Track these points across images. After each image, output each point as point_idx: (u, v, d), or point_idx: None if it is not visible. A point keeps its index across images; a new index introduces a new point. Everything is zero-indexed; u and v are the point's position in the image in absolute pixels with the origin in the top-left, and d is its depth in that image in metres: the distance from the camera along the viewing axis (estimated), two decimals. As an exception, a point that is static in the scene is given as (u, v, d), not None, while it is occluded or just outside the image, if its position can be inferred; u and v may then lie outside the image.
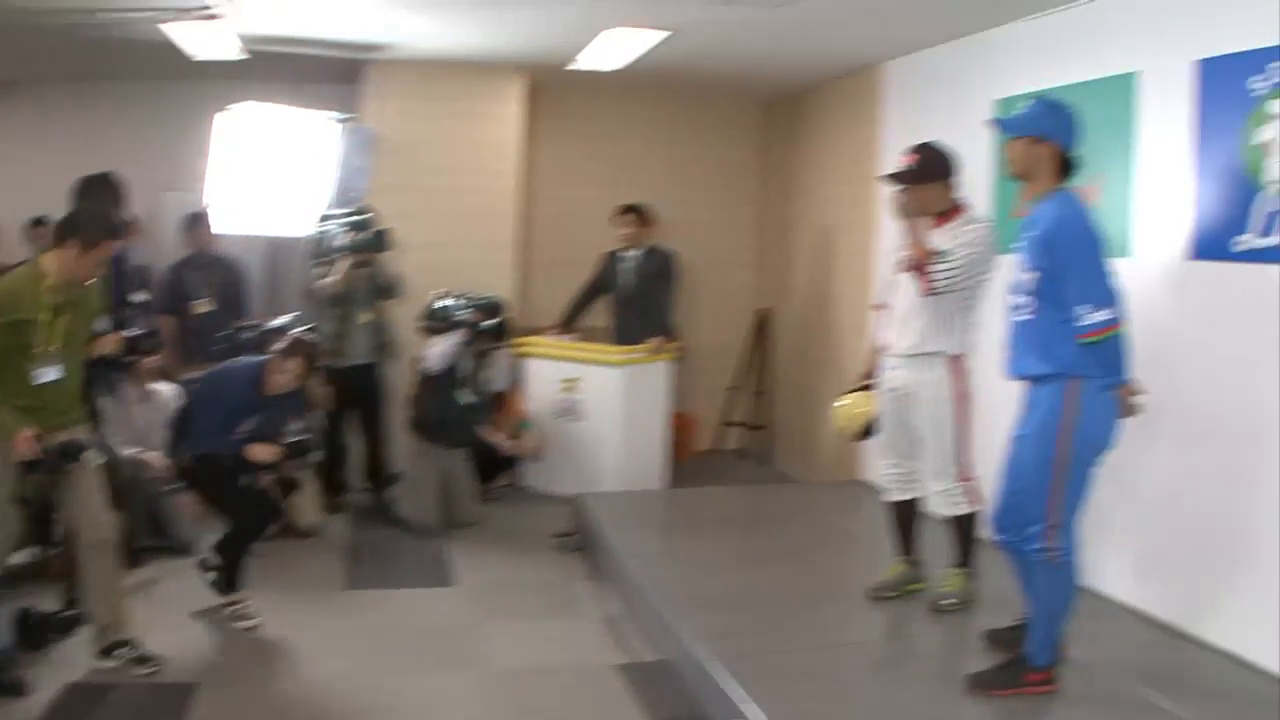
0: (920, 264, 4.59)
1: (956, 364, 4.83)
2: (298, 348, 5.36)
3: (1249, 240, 4.60)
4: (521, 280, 8.58)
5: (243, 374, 5.30)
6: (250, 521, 5.28)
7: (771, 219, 9.67)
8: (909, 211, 4.71)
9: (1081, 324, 3.84)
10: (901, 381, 4.92)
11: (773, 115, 9.69)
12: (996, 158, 5.91)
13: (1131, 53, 5.29)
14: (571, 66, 7.87)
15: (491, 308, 7.13)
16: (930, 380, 4.83)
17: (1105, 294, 3.85)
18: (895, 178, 4.76)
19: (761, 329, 9.55)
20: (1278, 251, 4.49)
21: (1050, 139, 4.04)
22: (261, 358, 5.44)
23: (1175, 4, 5.05)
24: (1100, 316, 3.81)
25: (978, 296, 4.78)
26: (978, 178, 6.14)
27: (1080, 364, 3.89)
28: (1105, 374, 3.91)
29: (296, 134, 7.40)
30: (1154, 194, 5.18)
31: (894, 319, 4.92)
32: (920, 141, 4.93)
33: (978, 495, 4.90)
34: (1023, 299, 4.07)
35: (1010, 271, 4.18)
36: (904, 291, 4.86)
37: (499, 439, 7.36)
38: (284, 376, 5.30)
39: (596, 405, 7.70)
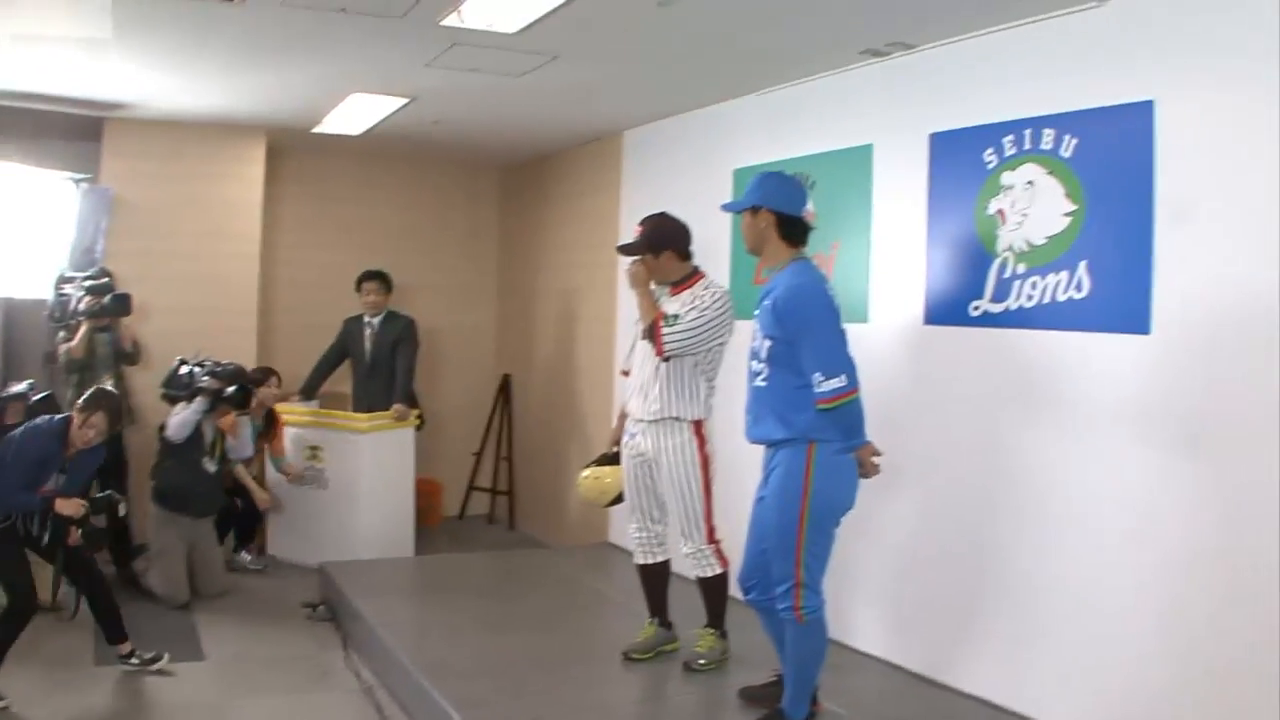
0: (654, 329, 4.58)
1: (698, 429, 4.80)
2: (100, 402, 5.13)
3: (983, 305, 4.68)
4: (263, 345, 8.29)
5: (47, 431, 5.07)
6: (84, 582, 5.21)
7: (513, 284, 9.62)
8: (638, 281, 4.73)
9: (817, 391, 3.84)
10: (645, 447, 4.87)
11: (514, 181, 9.66)
12: (735, 227, 5.88)
13: (868, 125, 5.38)
14: (317, 129, 7.74)
15: (233, 374, 6.85)
16: (673, 445, 4.79)
17: (839, 361, 3.86)
18: (626, 249, 4.80)
19: (504, 393, 9.48)
20: (1011, 316, 4.57)
21: (767, 206, 4.09)
22: (64, 415, 5.23)
23: (910, 79, 5.14)
24: (835, 384, 3.82)
25: (715, 361, 4.77)
26: (719, 245, 6.24)
27: (817, 429, 3.90)
28: (843, 437, 3.92)
29: (31, 193, 7.15)
30: (891, 261, 5.24)
31: (636, 385, 4.88)
32: (656, 211, 4.96)
33: (725, 556, 4.87)
34: (760, 365, 4.07)
35: (751, 338, 4.19)
36: (644, 357, 4.83)
37: (254, 489, 7.24)
38: (89, 432, 5.09)
39: (341, 473, 7.54)
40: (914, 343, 5.05)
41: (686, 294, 4.74)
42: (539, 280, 9.13)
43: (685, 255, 4.82)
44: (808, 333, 3.87)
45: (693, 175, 6.73)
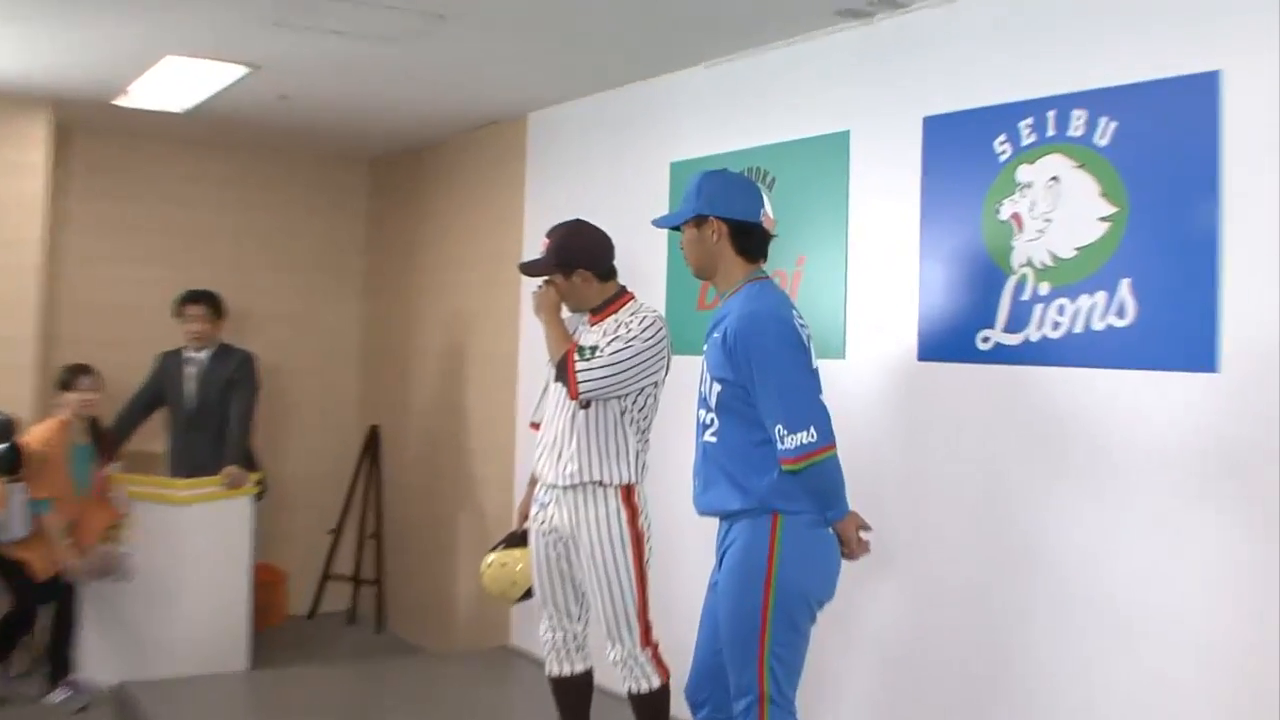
0: (566, 365, 4.65)
1: (627, 496, 4.82)
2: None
3: (995, 336, 4.73)
4: (44, 390, 8.00)
5: None
6: None
7: (386, 309, 9.69)
8: (545, 308, 4.86)
9: (781, 448, 3.90)
10: (558, 521, 4.89)
11: (388, 177, 9.76)
12: (674, 239, 5.93)
13: (844, 107, 5.46)
14: (121, 102, 7.67)
15: (2, 427, 6.81)
16: (595, 518, 4.81)
17: (807, 409, 3.93)
18: (529, 268, 4.92)
19: (372, 453, 9.48)
20: (1031, 350, 4.61)
21: (716, 214, 4.17)
22: None
23: (899, 48, 5.23)
24: (801, 439, 3.88)
25: (648, 408, 4.83)
26: (652, 262, 6.35)
27: (782, 496, 3.97)
28: (816, 507, 3.98)
29: None
30: (874, 280, 5.32)
31: (548, 440, 4.93)
32: (569, 219, 5.02)
33: (666, 664, 4.89)
34: (708, 415, 4.14)
35: (699, 379, 4.24)
36: (557, 405, 4.89)
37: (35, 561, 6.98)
38: None
39: (152, 559, 7.36)
40: (904, 385, 5.11)
41: (609, 321, 4.84)
42: (420, 305, 9.16)
43: (606, 275, 4.91)
44: (766, 372, 3.94)
45: (618, 171, 6.82)
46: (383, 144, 9.22)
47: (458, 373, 8.63)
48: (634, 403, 4.78)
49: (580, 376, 4.61)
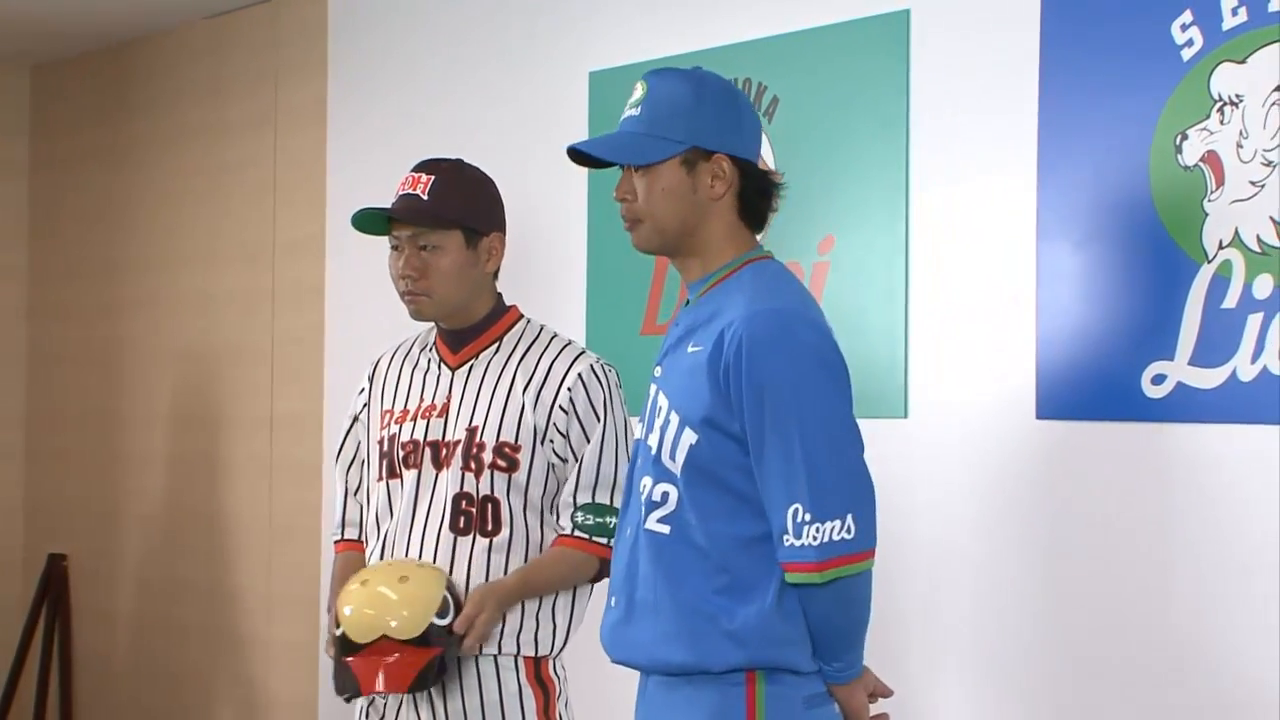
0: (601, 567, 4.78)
1: (540, 671, 4.86)
2: None
3: (1177, 373, 4.68)
4: None
5: None
6: None
7: (67, 329, 9.56)
8: (433, 311, 4.86)
9: (791, 543, 3.77)
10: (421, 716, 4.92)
11: (68, 93, 9.73)
12: (595, 209, 6.19)
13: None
14: None
15: None
16: (485, 707, 4.84)
17: (852, 486, 3.83)
18: (413, 214, 4.82)
19: (53, 602, 9.37)
20: (1243, 395, 4.55)
21: (721, 150, 4.06)
22: None
23: None
24: (835, 531, 3.75)
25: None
26: (564, 240, 6.43)
27: (775, 641, 3.85)
28: (829, 656, 3.88)
29: None
30: (954, 278, 5.33)
31: (388, 547, 4.94)
32: (445, 158, 5.02)
33: None
34: (659, 488, 4.02)
35: (632, 435, 4.34)
36: (413, 503, 4.90)
37: None
38: None
39: None
40: (1013, 460, 5.14)
41: (495, 354, 4.94)
42: (135, 319, 9.09)
43: (494, 255, 4.95)
44: (788, 417, 3.82)
45: (497, 85, 6.86)
46: (58, 37, 9.25)
47: (209, 441, 8.56)
48: (559, 484, 4.87)
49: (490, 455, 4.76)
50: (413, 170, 4.92)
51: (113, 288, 9.24)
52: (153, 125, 9.05)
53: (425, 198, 4.83)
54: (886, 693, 4.07)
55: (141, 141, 9.10)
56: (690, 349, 3.97)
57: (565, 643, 4.88)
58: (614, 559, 4.17)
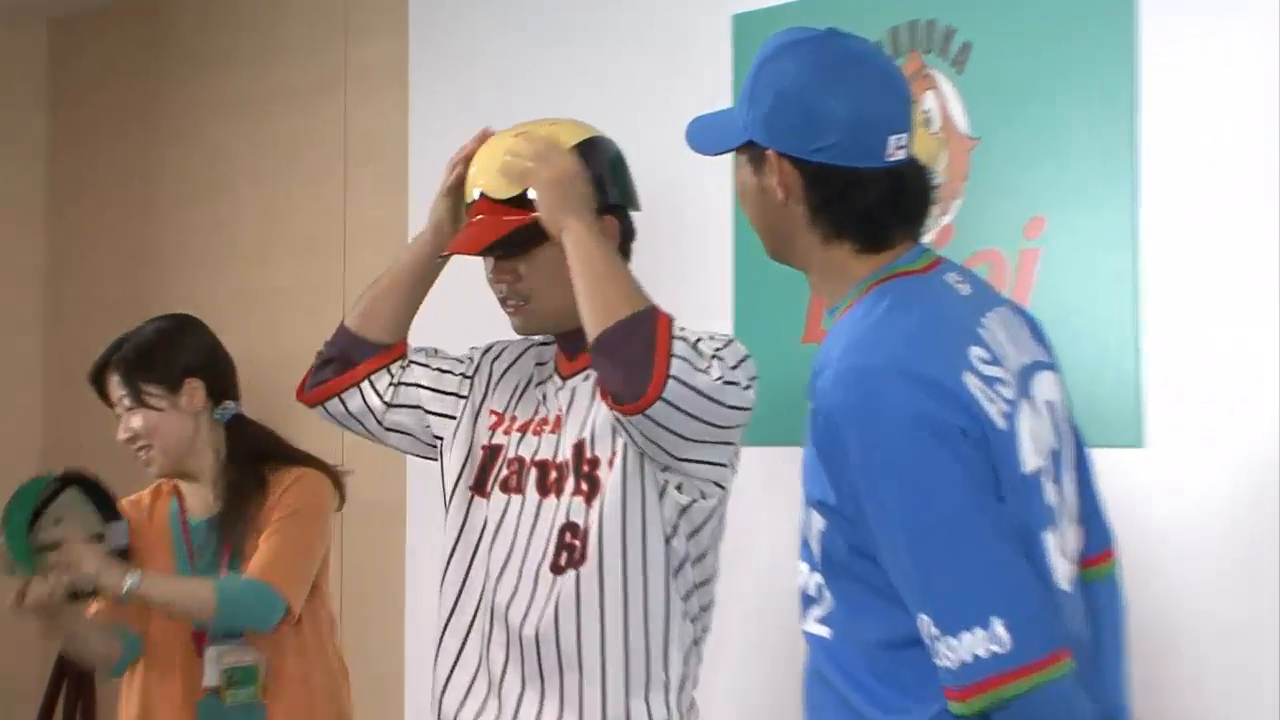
0: (656, 334, 4.22)
1: None
2: None
3: None
4: None
5: None
6: None
7: (82, 320, 8.85)
8: (534, 323, 4.53)
9: (940, 664, 3.39)
10: None
11: (88, 54, 9.16)
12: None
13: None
14: None
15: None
16: None
17: (981, 581, 3.42)
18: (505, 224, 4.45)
19: (76, 683, 8.68)
20: None
21: (773, 146, 3.65)
22: None
23: None
24: (971, 645, 3.33)
25: (709, 549, 4.46)
26: (712, 220, 6.05)
27: None
28: None
29: None
30: (1199, 270, 5.00)
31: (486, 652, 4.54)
32: (534, 119, 4.69)
33: None
34: (814, 580, 3.67)
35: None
36: (512, 548, 4.48)
37: None
38: None
39: None
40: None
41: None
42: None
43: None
44: (897, 506, 3.43)
45: (618, 27, 6.49)
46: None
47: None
48: (684, 528, 4.38)
49: (676, 371, 4.13)
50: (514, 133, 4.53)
51: (149, 287, 8.51)
52: (195, 91, 8.39)
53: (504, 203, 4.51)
54: None
55: (181, 111, 8.41)
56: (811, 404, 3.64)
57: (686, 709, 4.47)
58: (805, 677, 3.68)
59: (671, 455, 4.20)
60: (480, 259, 4.51)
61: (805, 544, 3.66)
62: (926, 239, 3.79)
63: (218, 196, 8.23)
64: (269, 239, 8.04)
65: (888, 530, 3.41)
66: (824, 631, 3.60)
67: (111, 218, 8.87)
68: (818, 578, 3.61)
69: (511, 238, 4.37)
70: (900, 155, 3.59)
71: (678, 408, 4.08)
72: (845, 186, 3.58)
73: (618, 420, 4.22)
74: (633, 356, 4.13)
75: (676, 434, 4.14)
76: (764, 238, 3.81)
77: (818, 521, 3.54)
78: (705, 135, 3.93)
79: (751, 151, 3.68)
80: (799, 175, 3.58)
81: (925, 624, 3.37)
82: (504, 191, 4.44)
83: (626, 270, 4.38)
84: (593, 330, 4.19)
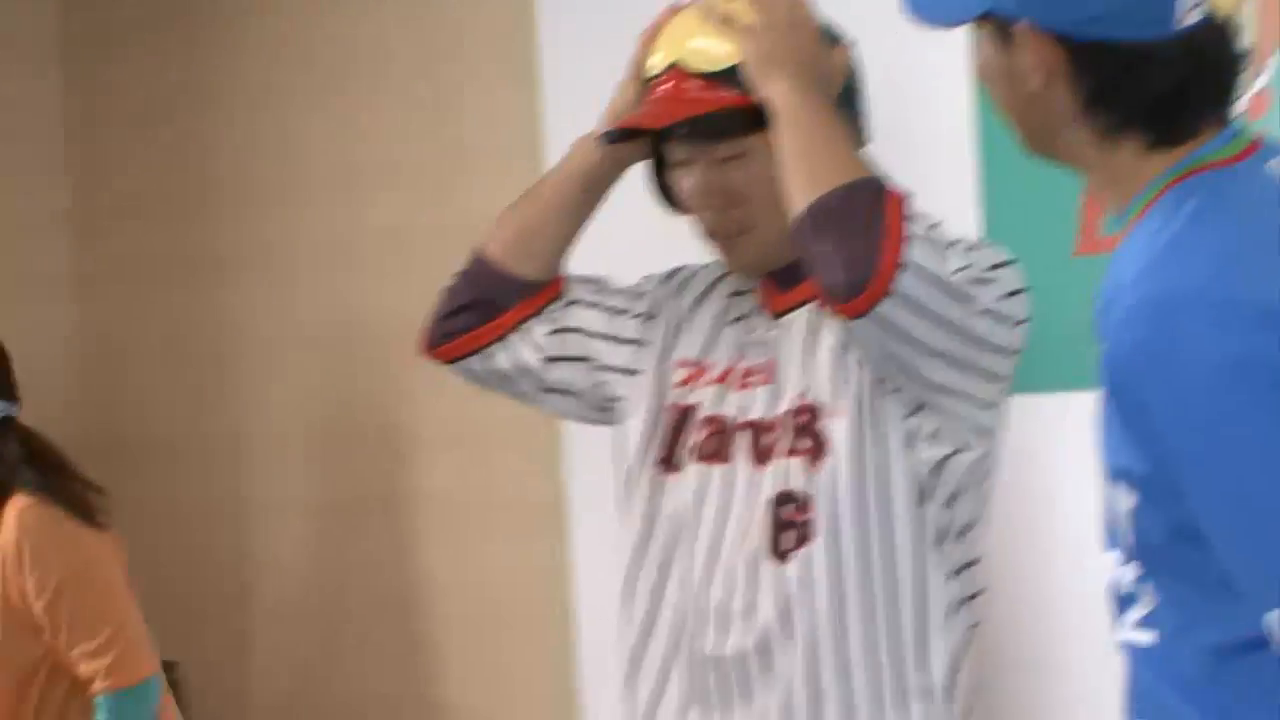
0: (886, 211, 4.11)
1: None
2: None
3: None
4: None
5: None
6: None
7: (118, 278, 8.18)
8: (757, 257, 4.32)
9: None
10: None
11: (103, 25, 8.25)
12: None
13: None
14: None
15: None
16: None
17: None
18: (702, 120, 4.22)
19: None
20: None
21: (1028, 16, 3.18)
22: None
23: None
24: None
25: (976, 503, 4.31)
26: (948, 109, 5.73)
27: None
28: None
29: None
30: None
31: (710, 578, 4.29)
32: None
33: None
34: (1128, 573, 3.28)
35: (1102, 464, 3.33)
36: (698, 490, 4.35)
37: None
38: None
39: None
40: None
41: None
42: (234, 286, 7.80)
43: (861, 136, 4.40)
44: (1219, 477, 3.00)
45: None
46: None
47: (381, 501, 7.35)
48: (941, 492, 4.23)
49: (916, 255, 4.05)
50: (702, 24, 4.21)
51: (200, 239, 7.77)
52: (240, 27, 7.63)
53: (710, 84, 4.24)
54: None
55: (234, 10, 7.58)
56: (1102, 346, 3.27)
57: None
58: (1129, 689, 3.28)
59: (916, 378, 4.04)
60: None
61: (1111, 528, 3.19)
62: (1237, 115, 3.16)
63: (285, 119, 7.44)
64: (355, 173, 7.22)
65: (1208, 511, 2.99)
66: (1147, 638, 3.15)
67: (149, 152, 8.01)
68: (1133, 569, 3.18)
69: (718, 118, 4.02)
70: (1195, 17, 3.01)
71: (918, 304, 3.96)
72: (1127, 68, 3.14)
73: (842, 326, 4.10)
74: (852, 234, 3.96)
75: (919, 344, 3.99)
76: (1017, 130, 3.30)
77: (1126, 498, 3.13)
78: (952, 9, 3.38)
79: (995, 23, 3.17)
80: (1064, 55, 3.11)
81: (1271, 621, 2.91)
82: (707, 61, 4.07)
83: (850, 142, 4.19)
84: (799, 203, 3.95)
